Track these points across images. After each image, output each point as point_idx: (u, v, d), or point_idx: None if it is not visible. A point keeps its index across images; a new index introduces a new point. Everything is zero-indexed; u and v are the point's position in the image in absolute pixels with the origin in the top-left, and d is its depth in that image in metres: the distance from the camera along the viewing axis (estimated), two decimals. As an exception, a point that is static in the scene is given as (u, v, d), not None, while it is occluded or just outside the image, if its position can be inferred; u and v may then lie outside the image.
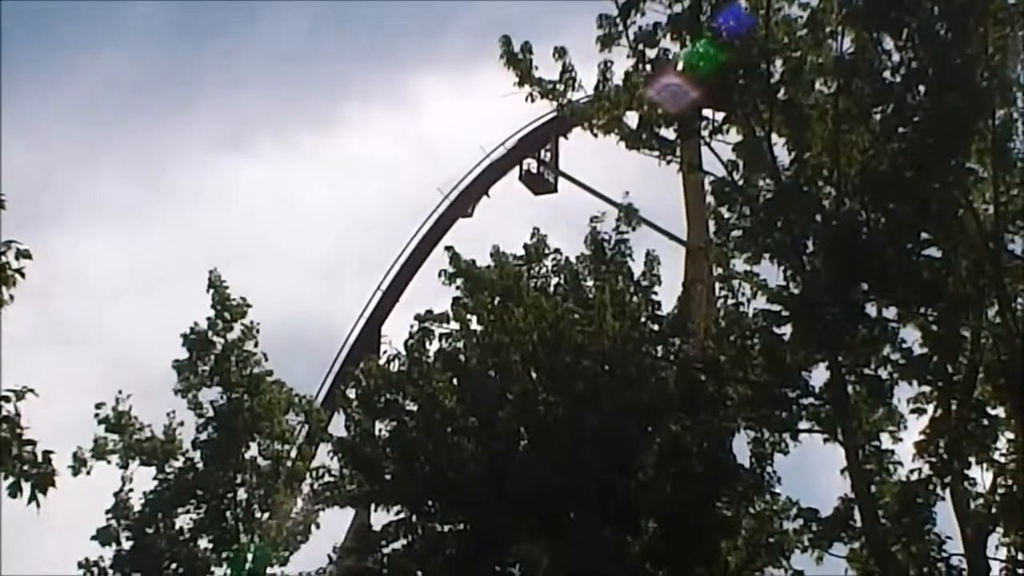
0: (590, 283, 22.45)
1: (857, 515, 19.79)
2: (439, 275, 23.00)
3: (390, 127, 70.32)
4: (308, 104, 75.43)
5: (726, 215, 20.97)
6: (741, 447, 21.17)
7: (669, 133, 21.37)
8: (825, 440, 20.20)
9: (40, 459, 11.67)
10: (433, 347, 22.25)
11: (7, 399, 11.68)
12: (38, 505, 11.63)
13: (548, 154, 40.95)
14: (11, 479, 11.57)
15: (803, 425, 20.47)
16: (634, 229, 22.92)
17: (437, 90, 67.43)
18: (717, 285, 23.56)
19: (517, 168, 41.35)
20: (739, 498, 20.85)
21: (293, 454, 24.72)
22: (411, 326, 22.56)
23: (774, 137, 20.18)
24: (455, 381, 21.76)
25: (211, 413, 24.36)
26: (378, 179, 68.27)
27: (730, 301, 21.39)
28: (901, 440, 20.57)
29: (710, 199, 21.63)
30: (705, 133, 21.03)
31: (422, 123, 67.66)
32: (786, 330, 20.37)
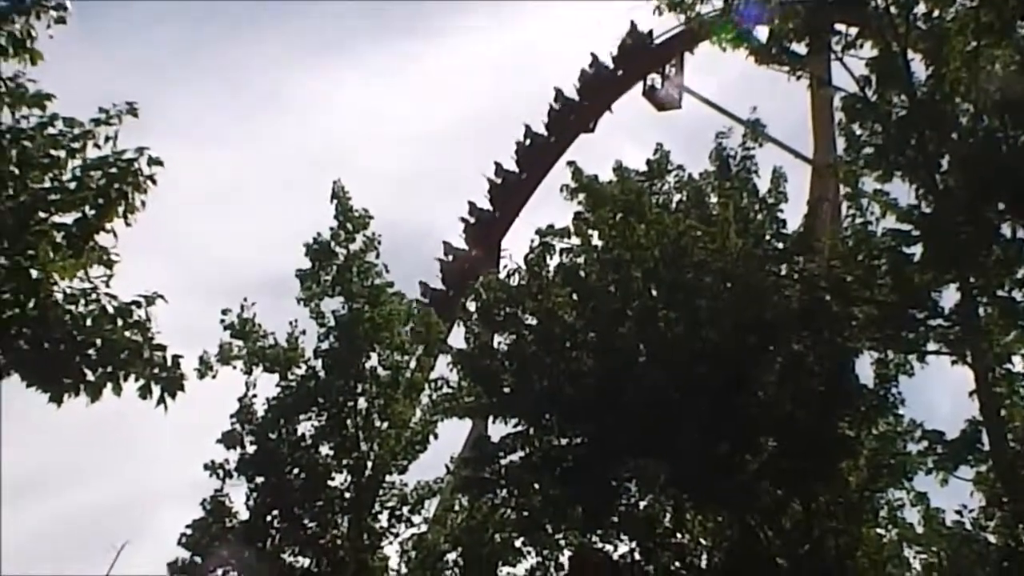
0: (714, 199, 22.19)
1: (985, 438, 19.42)
2: (561, 190, 22.92)
3: (495, 35, 69.26)
4: (408, 10, 74.23)
5: (857, 132, 20.47)
6: (864, 368, 20.92)
7: (800, 48, 20.92)
8: (953, 362, 19.80)
9: (170, 363, 11.89)
10: (553, 262, 22.25)
11: (138, 304, 11.89)
12: (166, 408, 11.88)
13: (673, 69, 40.27)
14: (141, 381, 11.81)
15: (931, 347, 20.09)
16: (760, 146, 22.65)
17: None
18: (844, 203, 23.11)
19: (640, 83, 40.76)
20: (861, 418, 20.59)
21: (412, 365, 24.92)
22: (531, 240, 22.58)
23: (909, 53, 19.61)
24: (574, 296, 21.71)
25: (332, 323, 24.65)
26: (483, 89, 67.40)
27: (858, 220, 20.98)
28: (1034, 363, 20.15)
29: (840, 116, 21.12)
30: (837, 48, 20.49)
31: (528, 32, 66.69)
32: (915, 250, 19.92)
